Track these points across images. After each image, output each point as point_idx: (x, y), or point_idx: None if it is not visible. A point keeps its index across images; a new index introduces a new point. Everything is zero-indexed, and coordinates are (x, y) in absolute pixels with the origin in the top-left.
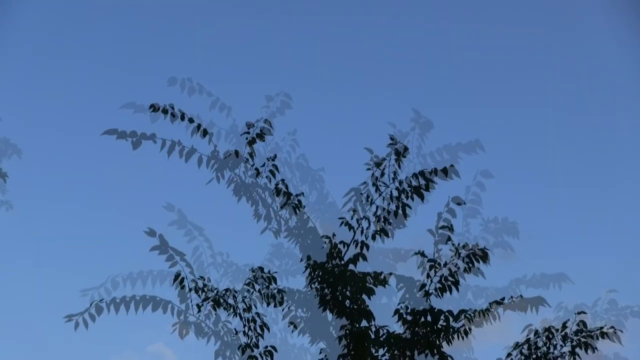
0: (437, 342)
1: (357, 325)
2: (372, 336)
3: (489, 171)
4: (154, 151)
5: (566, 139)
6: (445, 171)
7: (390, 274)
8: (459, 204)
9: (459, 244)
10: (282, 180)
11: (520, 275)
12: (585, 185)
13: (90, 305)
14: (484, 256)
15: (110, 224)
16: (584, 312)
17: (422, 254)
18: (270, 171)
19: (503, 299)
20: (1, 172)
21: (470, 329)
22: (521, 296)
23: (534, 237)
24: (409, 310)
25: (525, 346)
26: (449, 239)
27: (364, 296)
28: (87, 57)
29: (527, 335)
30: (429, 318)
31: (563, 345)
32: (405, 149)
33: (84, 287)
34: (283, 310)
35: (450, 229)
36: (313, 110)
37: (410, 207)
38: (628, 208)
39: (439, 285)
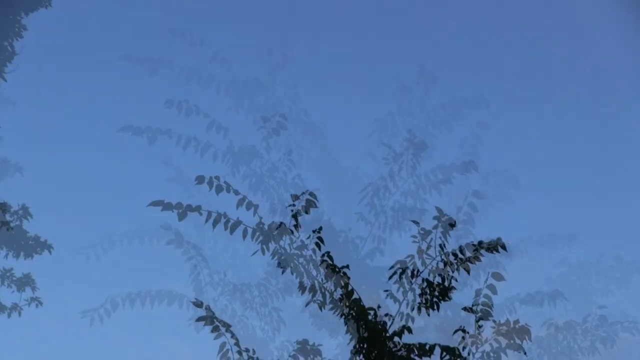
0: None
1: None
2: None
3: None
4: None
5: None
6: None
7: (435, 345)
8: (499, 279)
9: (499, 321)
10: (328, 252)
11: (515, 293)
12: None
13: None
14: (526, 332)
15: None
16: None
17: (464, 330)
18: (316, 243)
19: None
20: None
21: None
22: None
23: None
24: None
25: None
26: (490, 315)
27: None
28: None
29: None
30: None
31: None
32: (454, 223)
33: (84, 309)
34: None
35: (490, 306)
36: (314, 63)
37: (456, 280)
38: None
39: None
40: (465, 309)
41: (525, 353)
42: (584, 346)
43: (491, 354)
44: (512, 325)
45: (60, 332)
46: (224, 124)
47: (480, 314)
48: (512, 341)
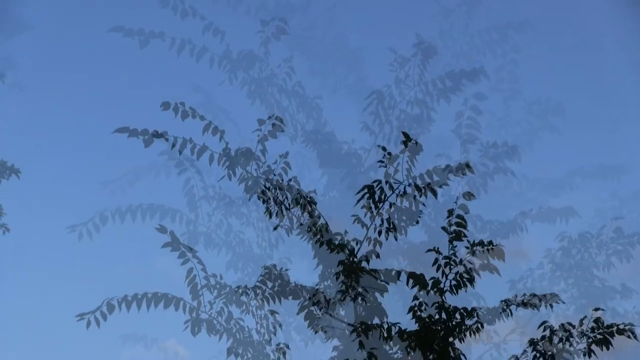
0: (451, 340)
1: (369, 322)
2: (385, 333)
3: (483, 93)
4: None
5: None
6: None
7: (401, 270)
8: (469, 198)
9: (473, 241)
10: (295, 177)
11: (527, 208)
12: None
13: (102, 303)
14: (499, 252)
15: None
16: (602, 309)
17: (437, 251)
18: (283, 168)
19: (522, 303)
20: (13, 168)
21: (482, 326)
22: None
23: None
24: (423, 307)
25: (541, 343)
26: (464, 235)
27: (377, 293)
28: None
29: (544, 332)
30: (443, 315)
31: (579, 342)
32: (417, 143)
33: (79, 311)
34: (299, 305)
35: (464, 225)
36: (309, 36)
37: (424, 205)
38: None
39: (454, 282)
40: (443, 228)
41: (499, 274)
42: (598, 261)
43: (464, 275)
44: (486, 246)
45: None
46: (222, 27)
47: (453, 234)
48: (486, 262)
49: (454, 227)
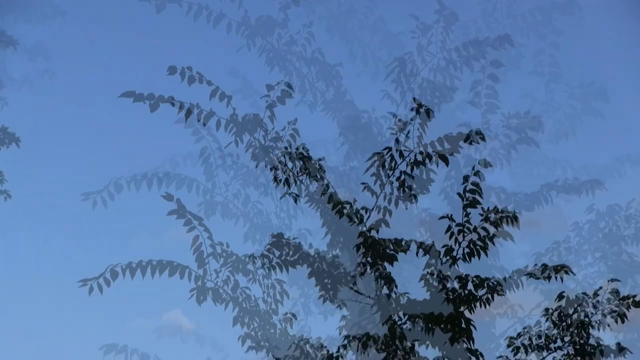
0: (461, 310)
1: (379, 292)
2: (393, 303)
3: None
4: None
5: None
6: (467, 137)
7: (411, 240)
8: (486, 166)
9: (488, 208)
10: (303, 144)
11: (551, 179)
12: None
13: (106, 269)
14: (513, 219)
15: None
16: (617, 280)
17: (451, 218)
18: (291, 135)
19: (529, 274)
20: (14, 136)
21: (492, 297)
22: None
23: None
24: (435, 276)
25: (556, 313)
26: (478, 202)
27: (386, 263)
28: None
29: (559, 302)
30: (455, 284)
31: (594, 313)
32: (430, 111)
33: (83, 277)
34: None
35: (479, 192)
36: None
37: (435, 173)
38: None
39: (467, 250)
40: (459, 194)
41: (513, 240)
42: (627, 234)
43: (478, 243)
44: (500, 213)
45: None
46: None
47: (467, 201)
48: (500, 229)
49: (469, 195)
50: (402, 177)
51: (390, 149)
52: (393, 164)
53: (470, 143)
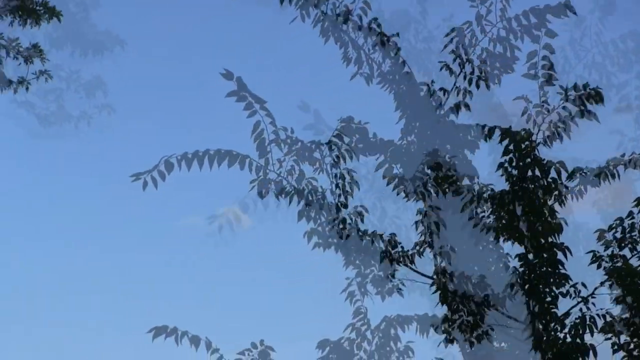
0: (544, 200)
1: (458, 185)
2: (475, 195)
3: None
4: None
5: None
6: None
7: (496, 126)
8: (552, 36)
9: (567, 86)
10: (375, 18)
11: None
12: None
13: (160, 161)
14: (597, 96)
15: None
16: None
17: (527, 99)
18: (362, 8)
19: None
20: (54, 10)
21: (585, 189)
22: None
23: None
24: (514, 164)
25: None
26: (554, 78)
27: (466, 151)
28: None
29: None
30: (536, 172)
31: None
32: None
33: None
34: (377, 159)
35: (551, 67)
36: None
37: (519, 49)
38: None
39: (547, 133)
40: (527, 75)
41: (598, 120)
42: None
43: (559, 124)
44: (582, 90)
45: None
46: None
47: (542, 78)
48: (582, 108)
49: (540, 71)
50: (484, 54)
51: (470, 23)
52: (474, 40)
53: (562, 17)
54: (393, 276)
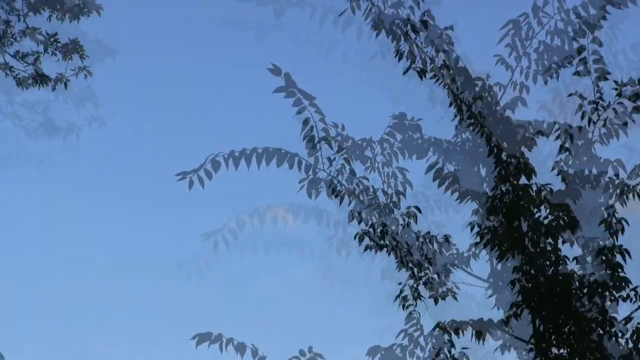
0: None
1: (515, 183)
2: (533, 195)
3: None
4: None
5: None
6: None
7: (554, 122)
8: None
9: (621, 81)
10: (428, 10)
11: None
12: None
13: (206, 160)
14: None
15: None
16: None
17: (581, 96)
18: (415, 1)
19: None
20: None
21: None
22: None
23: None
24: (570, 163)
25: None
26: (608, 72)
27: (524, 149)
28: None
29: None
30: (593, 170)
31: None
32: None
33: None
34: (427, 161)
35: (604, 63)
36: None
37: (577, 42)
38: None
39: (603, 130)
40: (576, 73)
41: None
42: None
43: (615, 121)
44: (637, 85)
45: None
46: None
47: (596, 73)
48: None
49: (592, 66)
50: (541, 47)
51: (527, 15)
52: (531, 33)
53: (619, 7)
54: (447, 278)
